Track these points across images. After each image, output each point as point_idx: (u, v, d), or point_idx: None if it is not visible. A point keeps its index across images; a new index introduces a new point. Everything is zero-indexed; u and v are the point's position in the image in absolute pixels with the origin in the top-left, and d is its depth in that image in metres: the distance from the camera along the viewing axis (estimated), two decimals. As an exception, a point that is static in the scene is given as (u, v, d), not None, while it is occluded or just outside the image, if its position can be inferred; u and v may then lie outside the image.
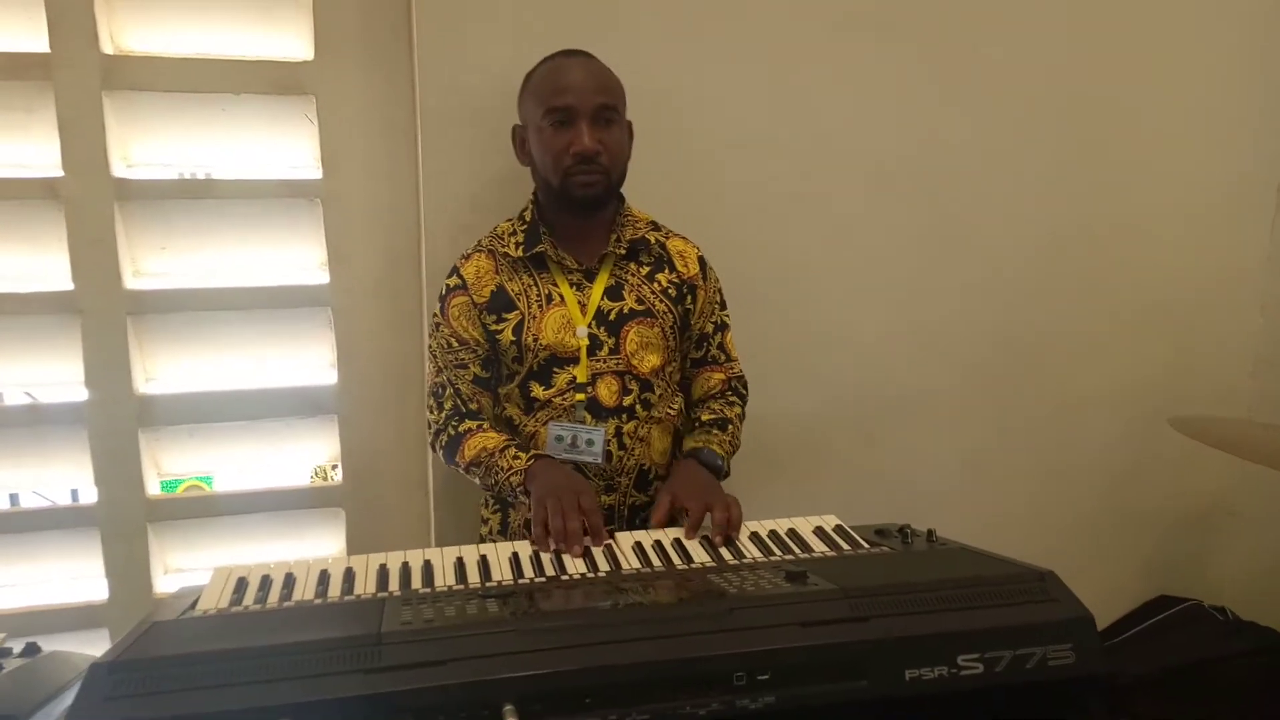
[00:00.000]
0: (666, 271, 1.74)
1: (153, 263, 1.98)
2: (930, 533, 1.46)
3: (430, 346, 1.74)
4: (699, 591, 1.18)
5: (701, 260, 1.79)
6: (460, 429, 1.67)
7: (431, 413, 1.72)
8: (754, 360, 1.88)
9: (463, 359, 1.69)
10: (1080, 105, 2.25)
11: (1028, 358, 2.35)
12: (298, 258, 2.03)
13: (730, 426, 1.76)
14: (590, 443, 1.66)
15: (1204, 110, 2.35)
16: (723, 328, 1.83)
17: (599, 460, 1.65)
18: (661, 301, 1.72)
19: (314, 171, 1.98)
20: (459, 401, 1.69)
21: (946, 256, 2.25)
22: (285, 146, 1.98)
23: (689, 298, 1.75)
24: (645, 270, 1.73)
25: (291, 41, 1.95)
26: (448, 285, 1.71)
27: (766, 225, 2.12)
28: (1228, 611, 2.41)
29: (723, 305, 1.84)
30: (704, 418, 1.76)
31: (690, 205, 1.90)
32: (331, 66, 1.93)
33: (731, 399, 1.81)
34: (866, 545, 1.42)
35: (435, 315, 1.72)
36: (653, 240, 1.75)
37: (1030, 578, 1.23)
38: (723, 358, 1.83)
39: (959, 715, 1.13)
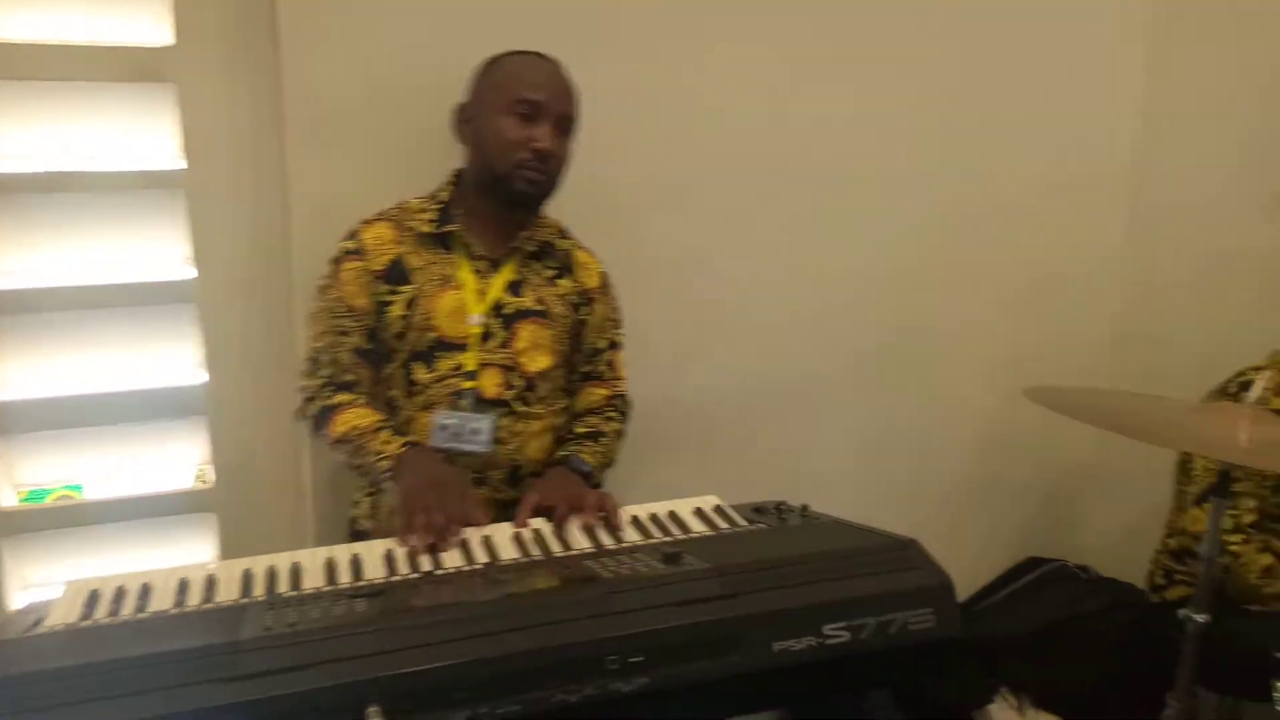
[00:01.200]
0: (569, 279, 1.74)
1: (5, 260, 1.87)
2: (804, 508, 1.50)
3: (314, 309, 1.68)
4: (574, 578, 1.18)
5: (604, 276, 1.80)
6: (334, 400, 1.62)
7: (305, 378, 1.67)
8: (646, 347, 1.90)
9: (346, 326, 1.64)
10: (950, 94, 2.33)
11: (906, 339, 2.43)
12: (161, 253, 1.94)
13: (604, 440, 1.76)
14: (476, 432, 1.64)
15: (1064, 97, 2.46)
16: (614, 346, 1.84)
17: (485, 450, 1.63)
18: (560, 306, 1.71)
19: (176, 162, 1.89)
20: (336, 370, 1.65)
21: (829, 243, 2.30)
22: (146, 136, 1.89)
23: (585, 309, 1.75)
24: (549, 273, 1.72)
25: (150, 26, 1.85)
26: (344, 248, 1.66)
27: (654, 214, 2.12)
28: (1090, 570, 2.56)
29: (618, 325, 1.84)
30: (578, 430, 1.76)
31: (579, 196, 1.89)
32: (193, 52, 1.84)
33: (610, 415, 1.81)
34: (745, 523, 1.45)
35: (324, 278, 1.67)
36: (560, 246, 1.75)
37: (894, 547, 1.28)
38: (609, 374, 1.83)
39: (828, 681, 1.18)
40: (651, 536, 1.40)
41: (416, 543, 1.33)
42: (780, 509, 1.51)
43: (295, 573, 1.26)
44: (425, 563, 1.29)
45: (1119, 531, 2.65)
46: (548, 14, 1.91)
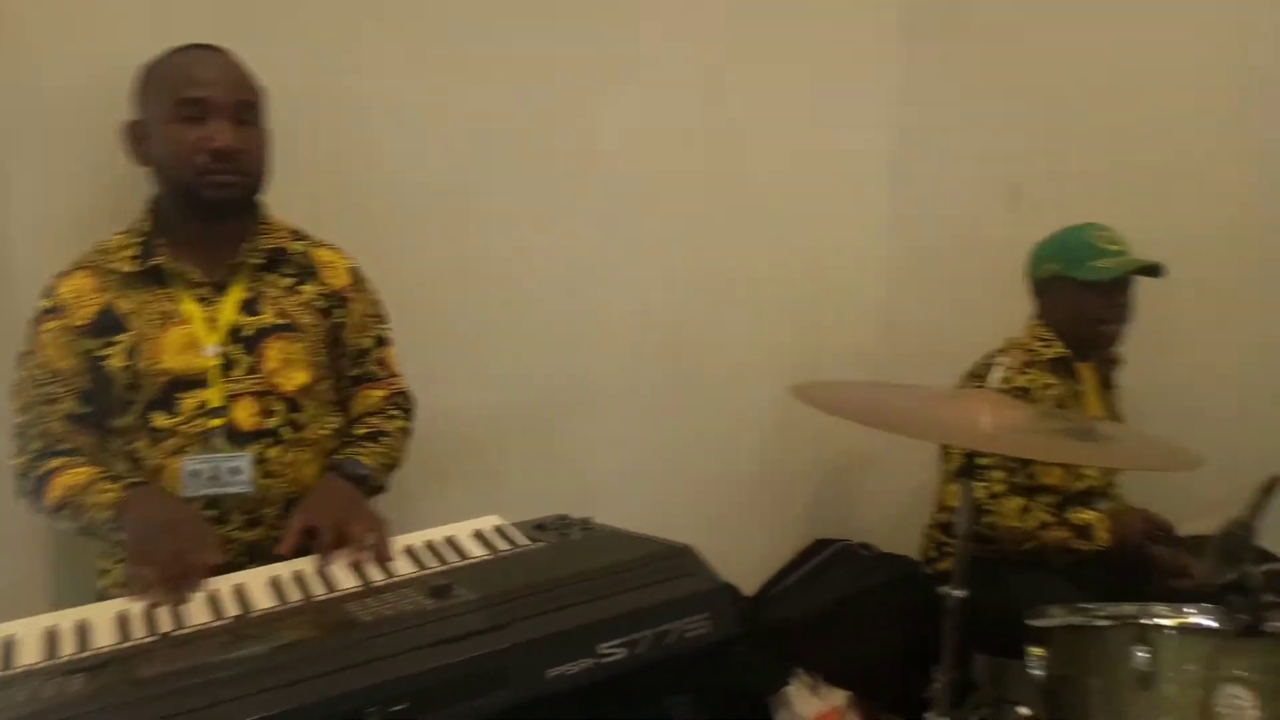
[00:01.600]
0: (312, 283, 1.62)
1: None
2: (585, 521, 1.48)
3: (15, 380, 1.49)
4: (329, 625, 1.10)
5: (354, 272, 1.69)
6: (48, 466, 1.45)
7: (14, 457, 1.48)
8: (419, 360, 1.82)
9: (53, 393, 1.47)
10: (718, 98, 2.39)
11: (687, 338, 2.47)
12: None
13: (386, 439, 1.67)
14: (236, 471, 1.51)
15: (824, 98, 2.58)
16: (382, 343, 1.74)
17: (248, 490, 1.51)
18: (307, 315, 1.60)
19: None
20: (48, 442, 1.47)
21: (604, 245, 2.30)
22: None
23: (338, 310, 1.64)
24: (287, 282, 1.60)
25: None
26: (40, 308, 1.48)
27: (420, 221, 2.04)
28: (872, 547, 2.70)
29: (381, 319, 1.74)
30: (357, 432, 1.66)
31: (338, 207, 1.79)
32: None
33: (392, 413, 1.72)
34: (527, 542, 1.41)
35: (24, 343, 1.49)
36: (295, 250, 1.62)
37: (669, 555, 1.28)
38: (382, 374, 1.73)
39: (607, 700, 1.16)
40: (425, 566, 1.33)
41: (151, 598, 1.20)
42: (562, 523, 1.48)
43: (8, 648, 1.11)
44: (165, 622, 1.17)
45: (896, 508, 2.82)
46: (303, 14, 1.80)
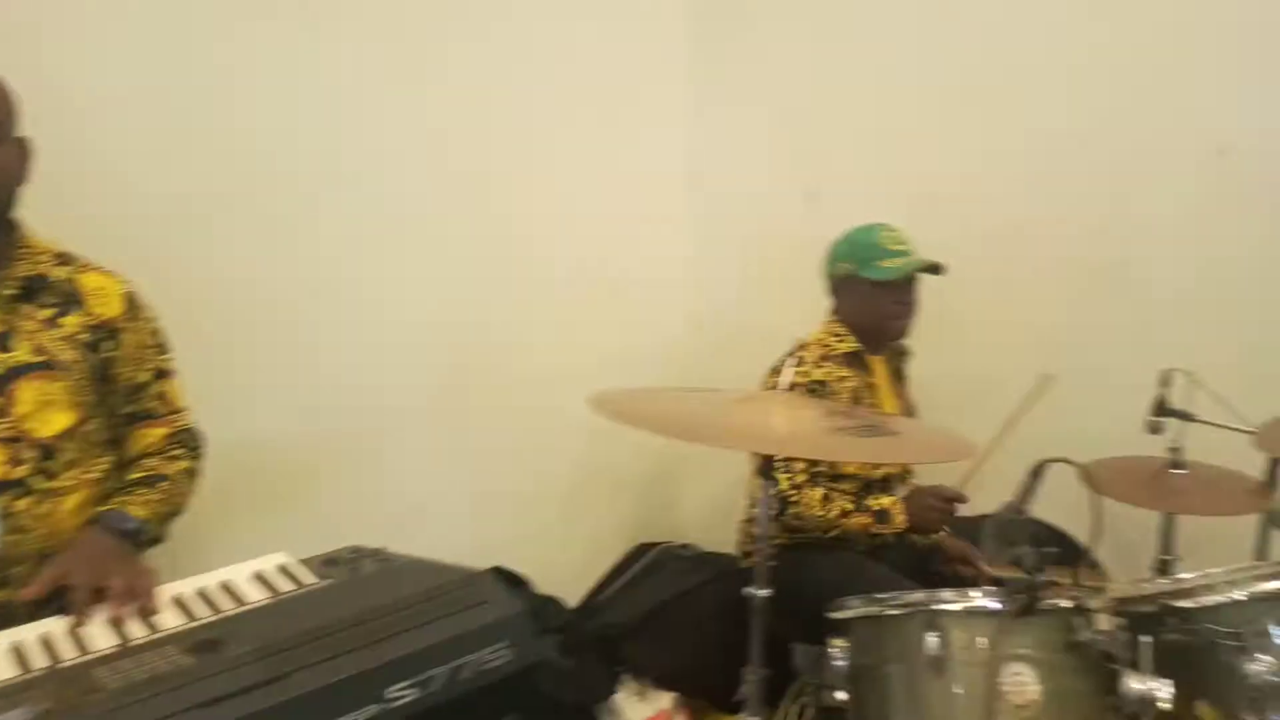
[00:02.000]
0: (77, 314, 1.45)
1: None
2: (379, 551, 1.40)
3: None
4: (67, 699, 0.98)
5: (129, 299, 1.51)
6: None
7: None
8: (205, 389, 1.67)
9: None
10: (513, 109, 2.35)
11: (494, 348, 2.41)
12: None
13: (164, 484, 1.52)
14: (-26, 529, 1.33)
15: (617, 96, 2.58)
16: (163, 375, 1.58)
17: None
18: (69, 350, 1.43)
19: None
20: None
21: (400, 254, 2.21)
22: None
23: (108, 343, 1.48)
24: (47, 313, 1.42)
25: None
26: None
27: (198, 235, 1.89)
28: (691, 547, 2.73)
29: (162, 349, 1.58)
30: (132, 476, 1.51)
31: (104, 224, 1.61)
32: None
33: (174, 454, 1.57)
34: (314, 579, 1.32)
35: None
36: (58, 276, 1.45)
37: (463, 584, 1.23)
38: (164, 410, 1.58)
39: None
40: (195, 618, 1.22)
41: None
42: (355, 556, 1.39)
43: None
44: None
45: (714, 506, 2.86)
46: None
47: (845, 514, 2.08)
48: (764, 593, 1.54)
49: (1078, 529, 2.19)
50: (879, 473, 2.21)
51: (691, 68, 2.72)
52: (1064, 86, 2.52)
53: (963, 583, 2.10)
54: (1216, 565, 2.25)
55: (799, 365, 2.16)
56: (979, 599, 1.40)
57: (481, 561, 2.31)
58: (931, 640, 1.38)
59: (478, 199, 2.31)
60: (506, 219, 2.38)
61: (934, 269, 2.21)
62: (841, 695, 1.54)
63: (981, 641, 1.37)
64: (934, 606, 1.40)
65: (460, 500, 2.31)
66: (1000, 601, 1.38)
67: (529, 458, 2.52)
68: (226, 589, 1.30)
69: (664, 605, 2.53)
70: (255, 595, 1.28)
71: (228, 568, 1.36)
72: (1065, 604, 1.39)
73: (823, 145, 2.73)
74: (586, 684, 2.32)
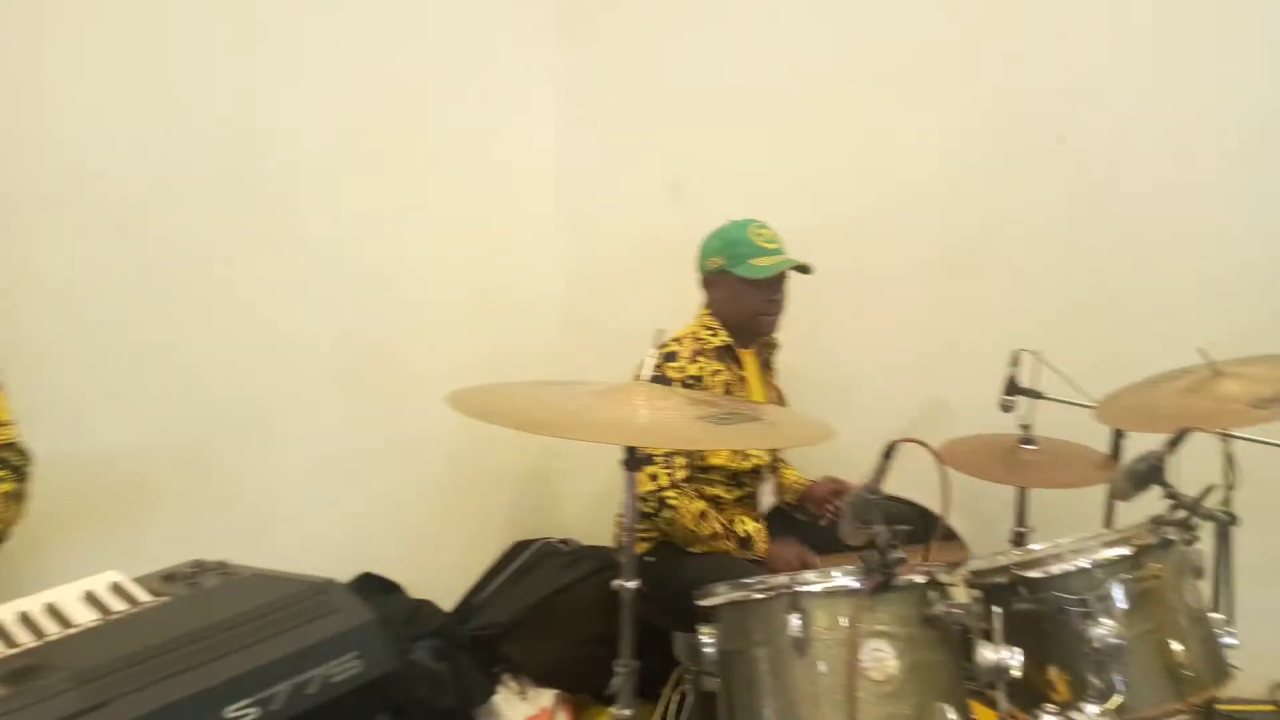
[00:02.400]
0: None
1: None
2: (221, 564, 1.33)
3: None
4: None
5: None
6: None
7: None
8: (45, 398, 1.55)
9: None
10: (384, 111, 2.27)
11: (362, 348, 2.33)
12: None
13: None
14: None
15: (483, 96, 2.53)
16: None
17: None
18: None
19: None
20: None
21: (263, 252, 2.10)
22: None
23: None
24: None
25: None
26: None
27: (30, 237, 1.75)
28: (571, 541, 2.71)
29: None
30: None
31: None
32: None
33: None
34: (149, 598, 1.23)
35: None
36: None
37: (309, 594, 1.16)
38: None
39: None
40: (15, 644, 1.12)
41: None
42: (195, 571, 1.31)
43: None
44: None
45: (594, 500, 2.85)
46: None
47: (714, 536, 2.12)
48: (632, 584, 1.53)
49: (938, 505, 2.28)
50: (747, 464, 2.23)
51: (559, 65, 2.70)
52: (917, 82, 2.60)
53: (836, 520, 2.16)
54: (1067, 535, 2.40)
55: (673, 361, 2.17)
56: (839, 579, 1.43)
57: (354, 568, 2.26)
58: (794, 621, 1.40)
59: (344, 199, 2.23)
60: (375, 219, 2.30)
61: (804, 269, 2.26)
62: (713, 681, 1.55)
63: (842, 620, 1.39)
64: (797, 589, 1.42)
65: (331, 507, 2.23)
66: (858, 580, 1.41)
67: (402, 460, 2.45)
68: (52, 611, 1.20)
69: (543, 602, 2.50)
70: (84, 617, 1.19)
71: (55, 589, 1.27)
72: (920, 579, 1.42)
73: (688, 141, 2.75)
74: (463, 687, 2.27)
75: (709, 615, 1.55)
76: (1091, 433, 2.30)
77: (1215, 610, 1.61)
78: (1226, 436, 1.79)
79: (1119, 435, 2.31)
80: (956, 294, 2.68)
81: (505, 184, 2.61)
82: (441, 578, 2.51)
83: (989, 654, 1.39)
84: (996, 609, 1.44)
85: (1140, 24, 2.47)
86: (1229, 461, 1.77)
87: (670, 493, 2.10)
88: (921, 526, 2.24)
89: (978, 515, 2.58)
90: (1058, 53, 2.52)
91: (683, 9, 2.70)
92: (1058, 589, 1.55)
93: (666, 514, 2.10)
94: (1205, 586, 1.66)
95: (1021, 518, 2.44)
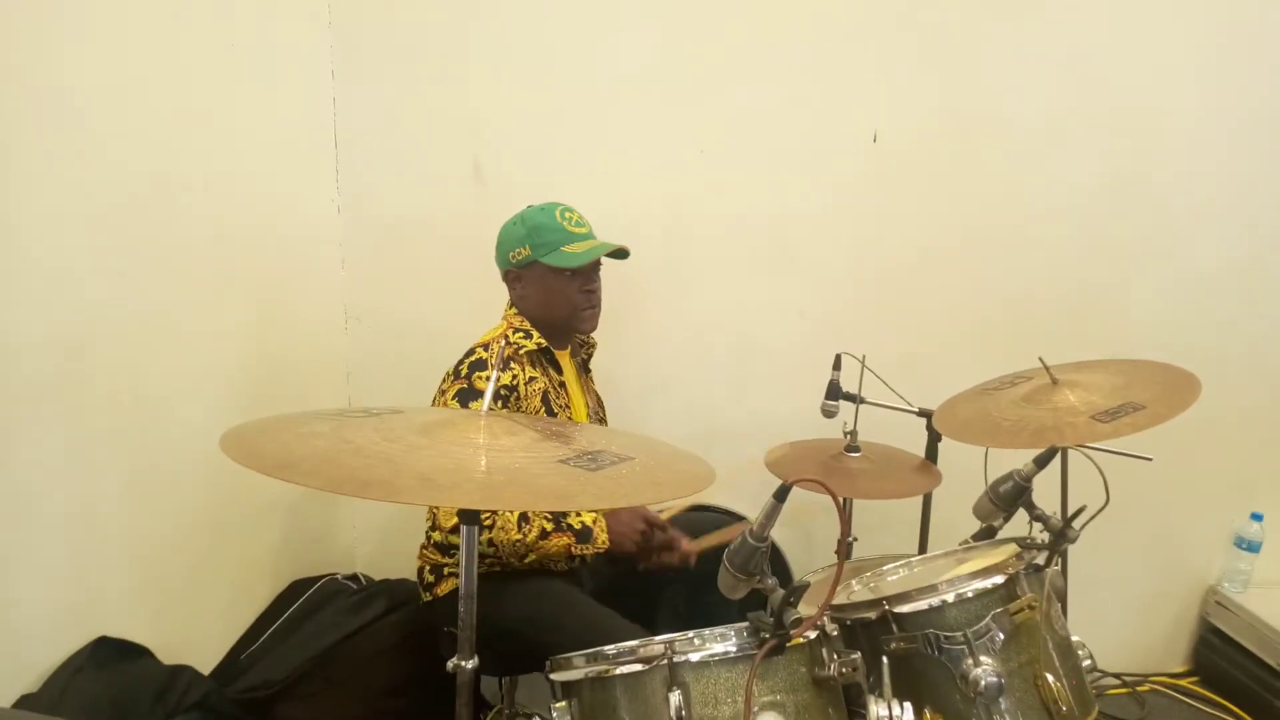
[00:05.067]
0: None
1: None
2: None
3: None
4: None
5: None
6: None
7: None
8: None
9: None
10: (156, 115, 1.80)
11: (101, 358, 1.81)
12: None
13: None
14: None
15: (248, 63, 2.10)
16: None
17: None
18: None
19: None
20: None
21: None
22: None
23: None
24: None
25: None
26: None
27: None
28: (361, 577, 2.35)
29: None
30: None
31: None
32: None
33: None
34: None
35: None
36: None
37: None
38: None
39: None
40: None
41: None
42: None
43: None
44: None
45: (384, 526, 2.50)
46: None
47: (545, 535, 1.84)
48: (469, 665, 1.24)
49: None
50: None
51: (334, 25, 2.31)
52: (731, 78, 2.47)
53: (669, 573, 1.97)
54: (891, 545, 2.37)
55: (483, 369, 1.88)
56: (719, 644, 1.22)
57: (87, 628, 1.77)
58: (674, 699, 1.17)
59: (74, 174, 1.72)
60: (114, 198, 1.81)
61: (621, 253, 2.03)
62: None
63: (729, 695, 1.19)
64: (674, 659, 1.20)
65: (54, 550, 1.73)
66: (743, 644, 1.21)
67: (143, 496, 1.96)
68: None
69: (328, 651, 2.13)
70: None
71: None
72: (809, 636, 1.25)
73: (487, 122, 2.45)
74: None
75: (564, 690, 1.30)
76: (911, 436, 2.27)
77: (1073, 634, 1.56)
78: (1087, 453, 1.77)
79: (935, 438, 2.29)
80: (775, 295, 2.58)
81: (275, 162, 2.19)
82: (201, 634, 2.08)
83: (880, 711, 1.23)
84: (885, 660, 1.29)
85: (948, 26, 2.46)
86: (1064, 477, 1.75)
87: (486, 517, 1.83)
88: (770, 548, 2.13)
89: (801, 527, 2.50)
90: (872, 53, 2.46)
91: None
92: (933, 626, 1.43)
93: (485, 536, 1.82)
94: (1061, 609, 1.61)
95: (846, 527, 2.38)
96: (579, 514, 1.90)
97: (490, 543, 1.83)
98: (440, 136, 2.45)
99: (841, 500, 2.31)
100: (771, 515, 1.18)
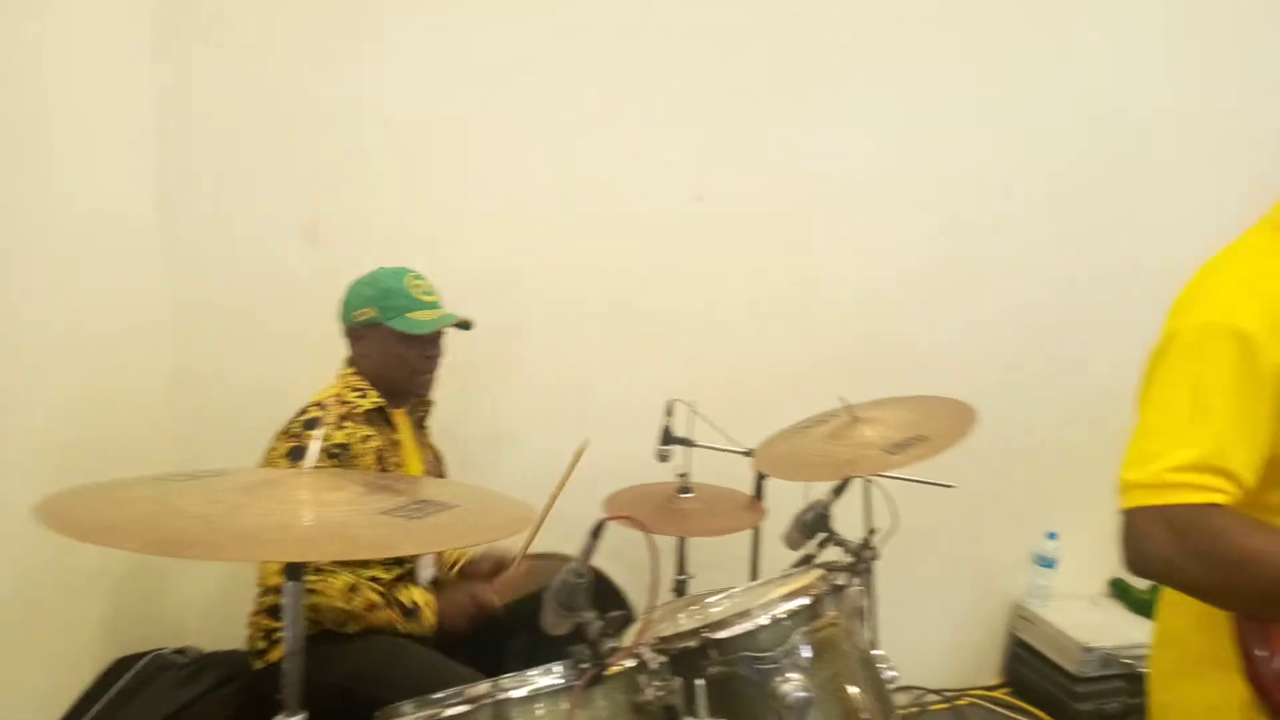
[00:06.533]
0: None
1: None
2: None
3: None
4: None
5: None
6: None
7: None
8: None
9: None
10: None
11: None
12: None
13: None
14: None
15: (81, 121, 2.06)
16: None
17: None
18: None
19: None
20: None
21: None
22: None
23: None
24: None
25: None
26: None
27: None
28: (190, 650, 2.28)
29: None
30: None
31: None
32: None
33: None
34: None
35: None
36: None
37: None
38: None
39: None
40: None
41: None
42: None
43: None
44: None
45: (214, 595, 2.43)
46: None
47: (372, 607, 1.88)
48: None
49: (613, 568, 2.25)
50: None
51: (157, 83, 2.29)
52: (568, 140, 2.60)
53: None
54: (725, 579, 2.49)
55: (316, 428, 1.90)
56: (541, 678, 1.29)
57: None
58: (501, 735, 1.23)
59: None
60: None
61: (465, 324, 2.12)
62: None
63: (553, 724, 1.26)
64: (499, 697, 1.26)
65: None
66: (565, 676, 1.28)
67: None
68: None
69: (161, 729, 2.05)
70: None
71: None
72: (629, 664, 1.33)
73: (323, 176, 2.48)
74: None
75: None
76: (741, 476, 2.42)
77: (876, 647, 1.70)
78: (875, 480, 1.93)
79: (761, 477, 2.45)
80: (612, 345, 2.70)
81: (95, 215, 2.13)
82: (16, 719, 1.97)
83: (696, 731, 1.33)
84: (699, 682, 1.39)
85: (765, 99, 2.69)
86: (872, 503, 1.92)
87: (310, 578, 1.84)
88: (590, 582, 2.20)
89: (637, 567, 2.58)
90: (697, 120, 2.66)
91: (317, 25, 2.42)
92: (746, 649, 1.54)
93: (309, 601, 1.83)
94: (866, 626, 1.76)
95: (682, 565, 2.49)
96: (410, 592, 1.94)
97: (313, 608, 1.85)
98: (273, 196, 2.46)
99: (673, 537, 2.45)
100: (588, 551, 1.27)
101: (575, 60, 2.59)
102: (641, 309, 2.71)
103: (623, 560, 2.18)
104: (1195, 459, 1.13)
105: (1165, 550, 1.14)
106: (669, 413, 2.46)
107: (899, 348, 2.86)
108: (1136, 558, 1.18)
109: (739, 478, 2.44)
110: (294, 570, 1.21)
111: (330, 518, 1.17)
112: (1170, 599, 1.36)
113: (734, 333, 2.77)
